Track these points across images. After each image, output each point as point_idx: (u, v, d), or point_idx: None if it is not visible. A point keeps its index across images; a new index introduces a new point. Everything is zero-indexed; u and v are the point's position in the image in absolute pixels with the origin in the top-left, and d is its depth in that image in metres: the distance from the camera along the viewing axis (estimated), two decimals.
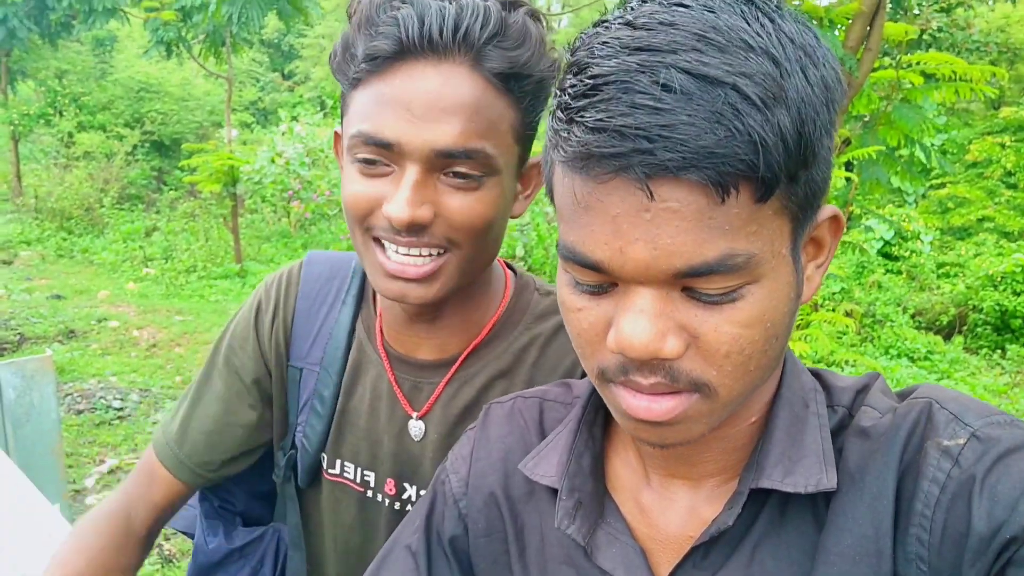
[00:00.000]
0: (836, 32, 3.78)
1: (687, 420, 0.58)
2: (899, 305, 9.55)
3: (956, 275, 10.67)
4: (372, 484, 0.98)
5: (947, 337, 9.01)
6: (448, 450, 0.92)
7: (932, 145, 3.68)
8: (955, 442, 0.57)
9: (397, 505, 0.97)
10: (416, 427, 0.96)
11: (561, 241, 0.58)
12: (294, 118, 12.59)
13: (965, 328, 9.36)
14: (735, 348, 0.55)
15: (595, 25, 0.56)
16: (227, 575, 1.10)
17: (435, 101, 0.79)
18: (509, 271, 1.02)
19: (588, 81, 0.52)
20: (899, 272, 11.08)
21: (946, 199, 13.00)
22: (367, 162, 0.82)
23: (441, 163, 0.81)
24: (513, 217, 0.91)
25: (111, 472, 4.33)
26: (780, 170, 0.51)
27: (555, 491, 0.71)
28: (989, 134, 13.13)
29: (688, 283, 0.54)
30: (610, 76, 0.51)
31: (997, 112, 13.84)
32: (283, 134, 10.49)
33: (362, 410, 0.98)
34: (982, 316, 9.48)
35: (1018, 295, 9.51)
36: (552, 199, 0.62)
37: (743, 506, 0.63)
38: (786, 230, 0.56)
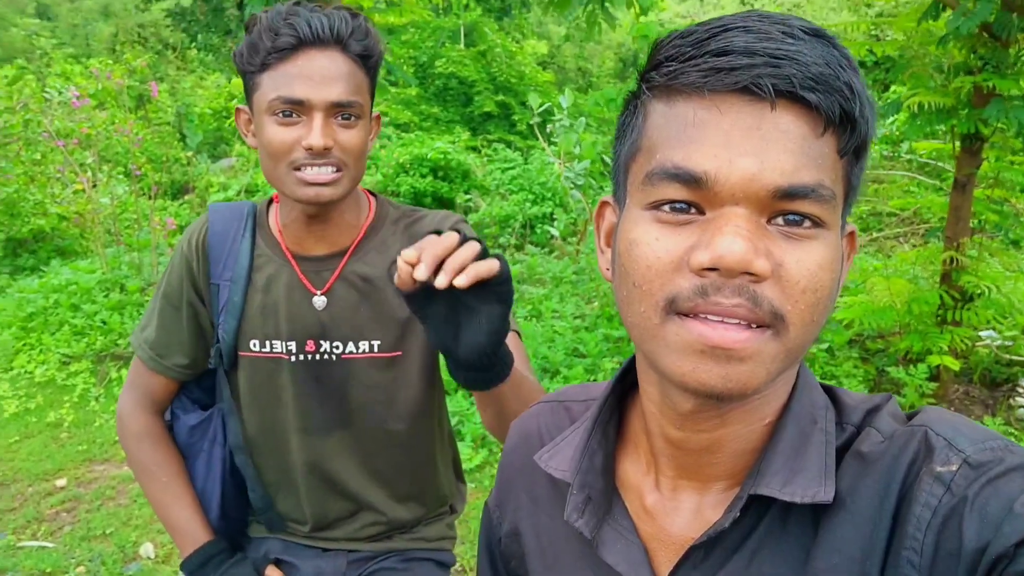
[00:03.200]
0: None
1: (756, 357, 0.58)
2: None
3: (371, 167, 12.11)
4: (294, 349, 1.38)
5: None
6: (348, 314, 1.36)
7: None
8: (947, 468, 0.58)
9: (318, 357, 1.39)
10: (319, 301, 1.36)
11: (658, 166, 0.60)
12: None
13: None
14: (811, 285, 0.57)
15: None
16: (194, 445, 1.50)
17: (326, 72, 1.23)
18: (369, 194, 1.48)
19: (708, 31, 0.59)
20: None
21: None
22: (285, 114, 1.23)
23: (334, 110, 1.24)
24: (368, 151, 1.36)
25: None
26: (863, 126, 0.58)
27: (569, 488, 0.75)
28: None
29: (781, 206, 0.57)
30: (732, 24, 0.58)
31: None
32: None
33: (279, 300, 1.38)
34: (401, 199, 11.16)
35: (424, 178, 11.41)
36: (633, 155, 0.65)
37: (742, 511, 0.65)
38: (842, 202, 0.61)
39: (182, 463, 1.50)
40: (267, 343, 1.39)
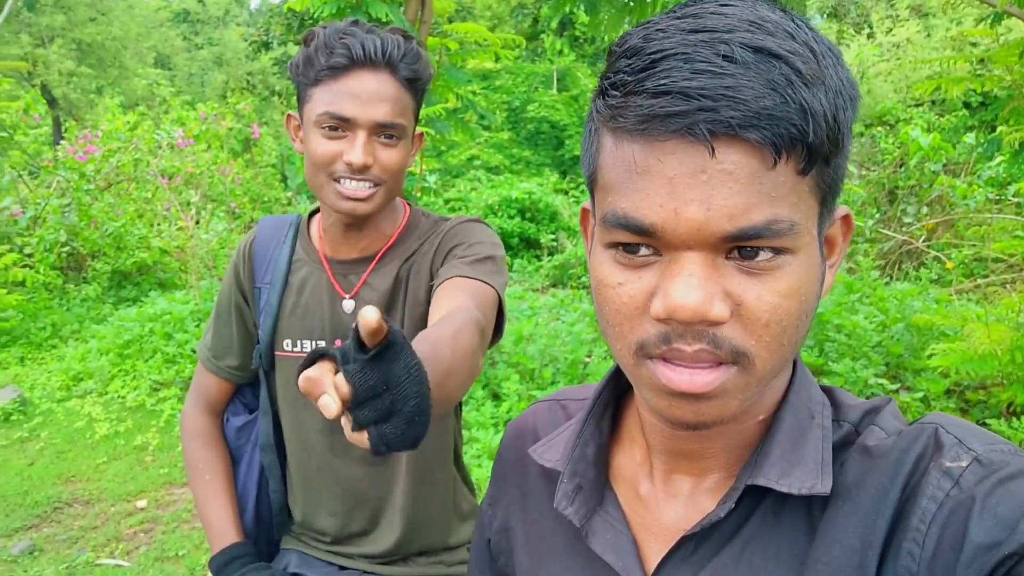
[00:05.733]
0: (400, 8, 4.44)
1: (724, 394, 0.58)
2: None
3: (461, 208, 12.33)
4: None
5: None
6: None
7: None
8: (957, 464, 0.58)
9: None
10: (348, 304, 1.40)
11: (609, 212, 0.59)
12: None
13: None
14: (774, 318, 0.56)
15: (643, 24, 0.59)
16: (240, 447, 1.58)
17: (374, 94, 1.27)
18: (406, 203, 1.52)
19: (648, 57, 0.55)
20: None
21: (439, 143, 14.73)
22: (331, 128, 1.28)
23: (377, 130, 1.28)
24: (408, 167, 1.41)
25: None
26: (822, 143, 0.54)
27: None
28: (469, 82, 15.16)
29: (735, 246, 0.56)
30: (670, 50, 0.54)
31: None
32: None
33: (312, 303, 1.43)
34: None
35: (512, 218, 11.52)
36: (593, 182, 0.64)
37: (737, 502, 0.65)
38: (816, 212, 0.59)
39: (229, 465, 1.57)
40: (298, 343, 1.44)
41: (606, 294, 0.61)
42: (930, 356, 4.25)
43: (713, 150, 0.53)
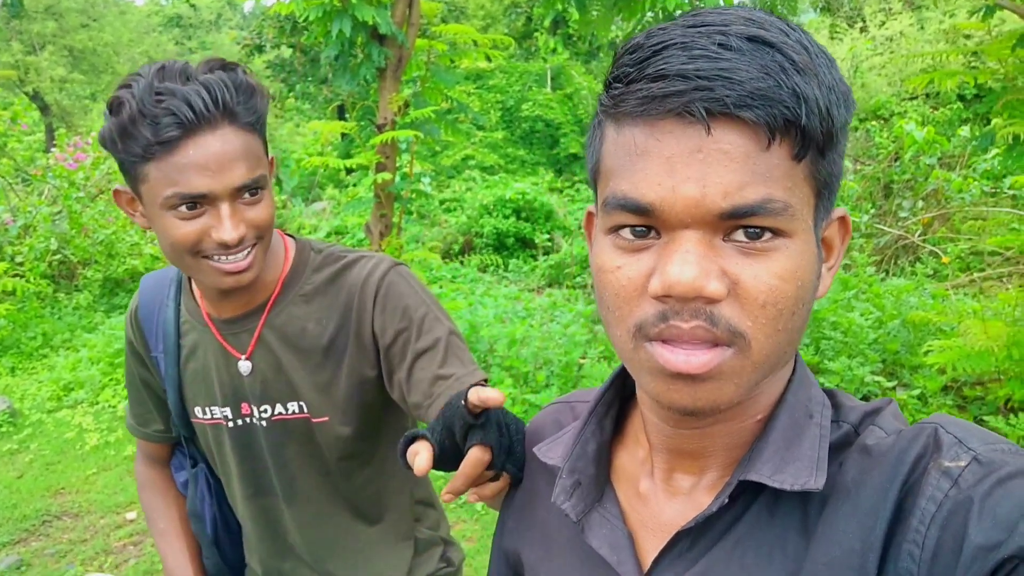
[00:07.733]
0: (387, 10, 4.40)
1: (720, 376, 0.59)
2: (418, 241, 10.77)
3: (456, 208, 12.29)
4: (230, 415, 1.34)
5: (462, 262, 10.45)
6: (272, 376, 1.29)
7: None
8: (956, 464, 0.58)
9: (252, 421, 1.34)
10: (244, 366, 1.30)
11: (610, 194, 0.61)
12: None
13: (472, 251, 10.92)
14: (771, 299, 0.58)
15: (647, 30, 0.62)
16: (191, 500, 1.52)
17: (222, 157, 1.10)
18: (288, 237, 1.37)
19: (649, 49, 0.58)
20: (410, 213, 12.39)
21: (433, 144, 14.64)
22: (188, 207, 1.11)
23: (238, 195, 1.13)
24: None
25: None
26: (816, 129, 0.57)
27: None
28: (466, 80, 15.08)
29: (731, 224, 0.57)
30: (670, 41, 0.57)
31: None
32: None
33: (209, 367, 1.33)
34: (483, 240, 11.26)
35: (507, 218, 11.47)
36: (596, 175, 0.66)
37: (732, 497, 0.66)
38: (811, 203, 0.60)
39: (181, 508, 1.52)
40: (206, 410, 1.36)
41: (605, 279, 0.63)
42: (927, 353, 4.20)
43: (709, 128, 0.55)
